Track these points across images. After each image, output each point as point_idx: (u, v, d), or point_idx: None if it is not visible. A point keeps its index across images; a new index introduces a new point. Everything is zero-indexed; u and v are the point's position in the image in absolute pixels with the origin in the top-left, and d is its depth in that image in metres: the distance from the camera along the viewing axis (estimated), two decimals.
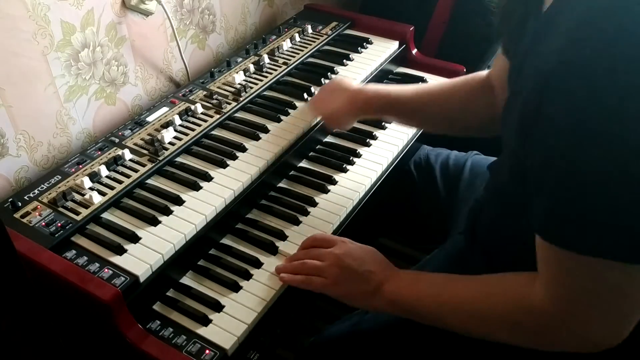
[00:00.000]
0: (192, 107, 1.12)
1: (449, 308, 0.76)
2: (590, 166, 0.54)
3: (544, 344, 0.69)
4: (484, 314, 0.72)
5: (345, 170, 1.10)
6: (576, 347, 0.66)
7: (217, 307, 0.85)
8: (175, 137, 1.06)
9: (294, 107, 1.16)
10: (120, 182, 0.96)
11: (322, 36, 1.38)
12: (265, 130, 1.10)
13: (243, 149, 1.05)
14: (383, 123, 1.22)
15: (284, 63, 1.27)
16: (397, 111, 1.05)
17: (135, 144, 1.04)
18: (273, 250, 0.93)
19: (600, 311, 0.61)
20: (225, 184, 0.98)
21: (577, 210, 0.57)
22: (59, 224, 0.88)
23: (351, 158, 1.12)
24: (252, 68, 1.24)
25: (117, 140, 1.05)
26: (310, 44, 1.34)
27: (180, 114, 1.10)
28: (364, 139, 1.17)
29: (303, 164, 1.13)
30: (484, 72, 0.99)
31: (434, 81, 1.31)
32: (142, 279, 0.83)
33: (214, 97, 1.16)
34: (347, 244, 0.88)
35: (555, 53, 0.56)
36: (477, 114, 0.97)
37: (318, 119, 1.14)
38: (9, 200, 0.92)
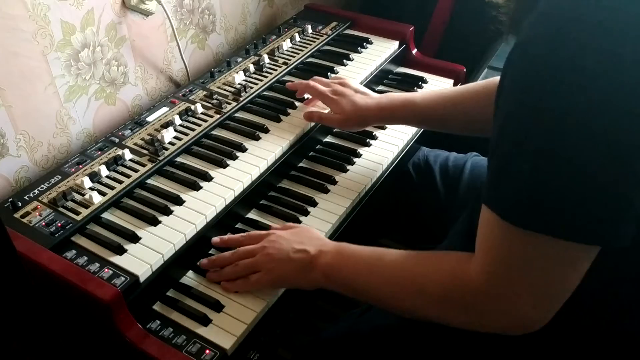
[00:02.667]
0: (192, 107, 1.12)
1: (382, 279, 0.76)
2: (530, 141, 0.56)
3: (473, 322, 0.68)
4: (416, 287, 0.72)
5: (345, 170, 1.10)
6: (503, 327, 0.67)
7: (217, 307, 0.85)
8: (175, 137, 1.06)
9: (294, 107, 1.16)
10: (120, 182, 0.96)
11: (322, 36, 1.38)
12: (265, 130, 1.10)
13: (243, 149, 1.05)
14: None
15: (284, 63, 1.27)
16: (422, 120, 1.09)
17: (135, 144, 1.04)
18: None
19: (531, 288, 0.62)
20: (225, 184, 0.98)
21: (515, 182, 0.58)
22: (59, 224, 0.88)
23: (351, 158, 1.12)
24: (252, 68, 1.24)
25: (117, 140, 1.05)
26: (310, 44, 1.34)
27: (180, 114, 1.10)
28: (364, 139, 1.17)
29: (303, 163, 1.13)
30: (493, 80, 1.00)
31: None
32: (142, 279, 0.83)
33: (214, 97, 1.16)
34: (275, 232, 0.88)
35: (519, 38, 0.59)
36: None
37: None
38: (9, 200, 0.92)
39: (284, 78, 1.24)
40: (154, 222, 0.91)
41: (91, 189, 0.95)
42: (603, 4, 0.53)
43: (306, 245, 0.84)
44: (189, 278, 0.91)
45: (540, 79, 0.55)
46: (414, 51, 1.42)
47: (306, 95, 1.18)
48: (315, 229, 0.90)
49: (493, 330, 0.68)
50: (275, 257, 0.84)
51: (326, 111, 1.12)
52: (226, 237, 0.93)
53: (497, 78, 0.99)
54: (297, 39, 1.36)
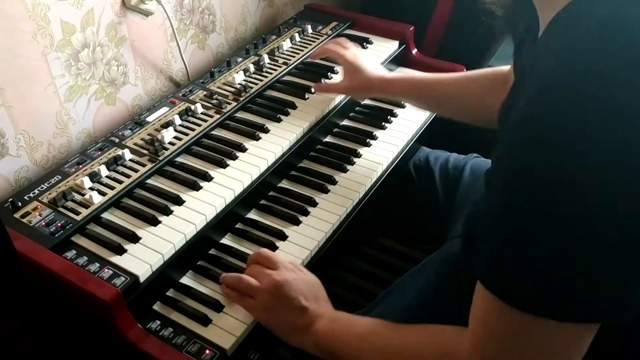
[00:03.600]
0: (192, 107, 1.12)
1: (371, 353, 0.72)
2: (533, 223, 0.51)
3: None
4: None
5: (345, 170, 1.10)
6: None
7: (217, 307, 0.85)
8: (175, 137, 1.06)
9: (294, 107, 1.16)
10: (120, 182, 0.96)
11: (322, 36, 1.38)
12: (265, 130, 1.10)
13: (243, 149, 1.05)
14: (383, 123, 1.22)
15: (284, 63, 1.27)
16: (418, 94, 1.11)
17: (135, 144, 1.04)
18: (273, 251, 0.93)
19: None
20: (225, 184, 0.98)
21: (514, 265, 0.54)
22: (59, 224, 0.88)
23: (351, 158, 1.12)
24: (252, 68, 1.24)
25: (117, 140, 1.05)
26: (311, 44, 1.34)
27: (180, 114, 1.10)
28: (364, 139, 1.17)
29: (303, 163, 1.13)
30: (505, 67, 1.00)
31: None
32: (142, 279, 0.83)
33: (214, 97, 1.16)
34: (290, 272, 0.83)
35: (526, 100, 0.53)
36: (494, 107, 0.97)
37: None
38: (9, 200, 0.92)
39: (284, 78, 1.24)
40: (154, 222, 0.91)
41: (91, 189, 0.95)
42: (612, 83, 0.48)
43: (309, 305, 0.79)
44: (189, 278, 0.91)
45: (544, 155, 0.50)
46: (414, 51, 1.42)
47: (307, 95, 1.18)
48: (321, 286, 0.85)
49: None
50: (276, 299, 0.80)
51: (331, 80, 1.21)
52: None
53: (501, 68, 1.00)
54: (297, 39, 1.36)
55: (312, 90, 1.20)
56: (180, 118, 1.10)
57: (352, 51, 1.16)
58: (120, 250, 0.85)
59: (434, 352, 0.67)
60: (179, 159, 1.04)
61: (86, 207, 0.91)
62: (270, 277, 0.81)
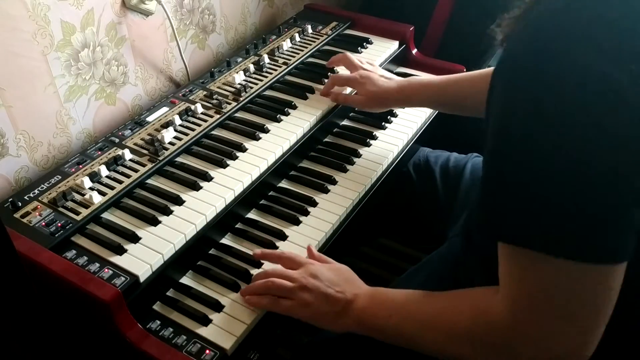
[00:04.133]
0: (192, 107, 1.12)
1: (413, 324, 0.74)
2: (528, 163, 0.55)
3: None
4: (447, 329, 0.70)
5: (345, 170, 1.10)
6: None
7: (217, 307, 0.85)
8: (175, 137, 1.06)
9: (294, 107, 1.16)
10: (120, 182, 0.96)
11: (322, 36, 1.38)
12: (265, 130, 1.10)
13: (243, 149, 1.05)
14: (383, 123, 1.22)
15: (284, 63, 1.27)
16: (437, 103, 1.12)
17: (135, 144, 1.04)
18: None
19: (559, 319, 0.59)
20: (225, 184, 0.98)
21: (514, 201, 0.57)
22: (59, 224, 0.88)
23: (351, 158, 1.12)
24: (252, 68, 1.24)
25: (117, 140, 1.05)
26: (310, 44, 1.34)
27: (180, 114, 1.10)
28: (364, 139, 1.17)
29: (303, 163, 1.13)
30: None
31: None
32: (142, 279, 0.83)
33: (214, 97, 1.16)
34: (316, 265, 0.85)
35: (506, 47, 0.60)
36: None
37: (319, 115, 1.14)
38: (9, 200, 0.92)
39: (284, 78, 1.24)
40: (154, 222, 0.91)
41: (91, 189, 0.95)
42: (598, 21, 0.52)
43: (344, 288, 0.81)
44: (189, 278, 0.91)
45: (535, 95, 0.54)
46: (414, 51, 1.42)
47: (307, 95, 1.18)
48: (350, 270, 0.87)
49: None
50: (313, 292, 0.81)
51: (347, 91, 1.19)
52: (267, 251, 0.91)
53: None
54: (297, 39, 1.36)
55: (313, 90, 1.20)
56: (180, 118, 1.10)
57: (362, 72, 1.15)
58: (120, 250, 0.85)
59: (470, 311, 0.68)
60: (179, 159, 1.04)
61: (86, 207, 0.91)
62: (301, 274, 0.83)
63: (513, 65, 0.58)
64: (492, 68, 1.05)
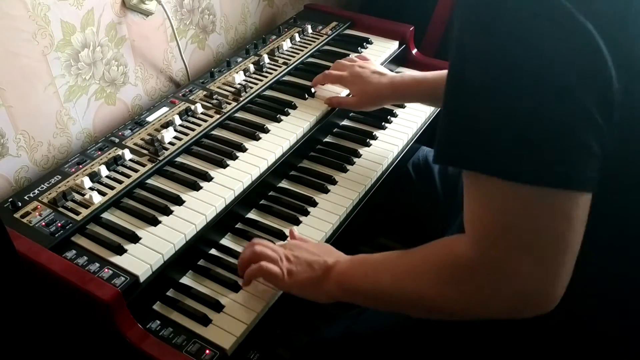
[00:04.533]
0: (192, 107, 1.12)
1: (387, 278, 0.74)
2: (478, 85, 0.56)
3: (471, 301, 0.64)
4: (417, 274, 0.69)
5: (345, 170, 1.10)
6: (510, 305, 0.62)
7: (217, 307, 0.85)
8: (175, 137, 1.06)
9: (294, 107, 1.16)
10: (120, 182, 0.96)
11: (322, 36, 1.38)
12: (265, 130, 1.10)
13: (243, 149, 1.05)
14: (383, 123, 1.22)
15: (284, 63, 1.27)
16: (435, 97, 1.09)
17: (135, 144, 1.04)
18: None
19: (519, 250, 0.58)
20: (225, 184, 0.98)
21: (466, 125, 0.58)
22: (59, 224, 0.88)
23: (351, 158, 1.12)
24: (252, 68, 1.24)
25: (117, 140, 1.05)
26: (310, 44, 1.34)
27: (180, 114, 1.10)
28: (364, 139, 1.17)
29: (303, 163, 1.13)
30: None
31: None
32: (142, 279, 0.83)
33: (214, 97, 1.16)
34: (297, 241, 0.89)
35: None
36: None
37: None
38: (9, 200, 0.92)
39: (284, 78, 1.24)
40: (154, 222, 0.91)
41: (91, 189, 0.95)
42: None
43: (324, 257, 0.83)
44: (189, 278, 0.91)
45: (488, 17, 0.56)
46: (414, 51, 1.42)
47: (307, 96, 1.18)
48: (331, 246, 0.89)
49: (501, 309, 0.63)
50: (295, 261, 0.84)
51: (343, 94, 1.18)
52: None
53: None
54: (297, 39, 1.36)
55: (313, 90, 1.20)
56: (180, 118, 1.10)
57: (353, 70, 1.14)
58: (120, 250, 0.85)
59: (437, 255, 0.68)
60: (179, 159, 1.04)
61: (86, 207, 0.91)
62: (284, 247, 0.87)
63: None
64: None
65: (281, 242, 0.90)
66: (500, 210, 0.58)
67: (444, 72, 1.10)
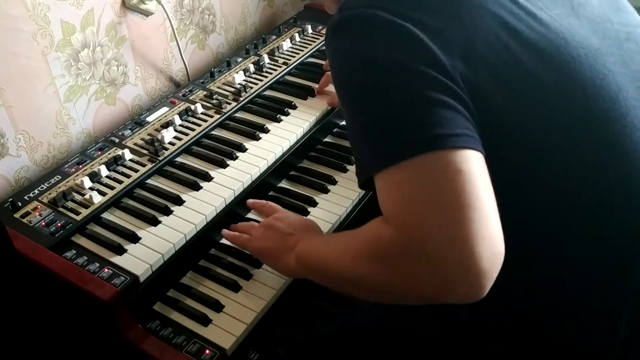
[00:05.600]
0: (192, 107, 1.12)
1: (331, 253, 0.75)
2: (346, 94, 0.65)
3: (401, 277, 0.62)
4: (352, 249, 0.70)
5: (345, 170, 1.10)
6: (433, 283, 0.59)
7: (217, 307, 0.85)
8: (175, 137, 1.06)
9: (294, 107, 1.16)
10: (120, 182, 0.96)
11: (322, 36, 1.37)
12: (265, 130, 1.10)
13: (243, 149, 1.05)
14: None
15: (284, 63, 1.27)
16: None
17: (135, 144, 1.04)
18: None
19: (426, 216, 0.57)
20: (225, 184, 0.98)
21: (355, 137, 0.65)
22: (59, 224, 0.88)
23: (351, 158, 1.12)
24: (252, 68, 1.24)
25: (117, 140, 1.05)
26: (310, 44, 1.34)
27: (180, 114, 1.10)
28: None
29: (303, 163, 1.13)
30: None
31: None
32: (142, 279, 0.83)
33: (214, 97, 1.16)
34: (287, 213, 0.93)
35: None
36: None
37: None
38: (9, 200, 0.92)
39: (284, 78, 1.24)
40: (154, 222, 0.91)
41: (91, 189, 0.95)
42: None
43: (297, 232, 0.86)
44: (189, 278, 0.91)
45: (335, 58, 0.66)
46: None
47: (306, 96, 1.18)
48: (318, 225, 0.91)
49: (426, 291, 0.61)
50: (268, 230, 0.88)
51: None
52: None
53: None
54: (297, 39, 1.36)
55: (316, 93, 1.20)
56: (180, 118, 1.10)
57: None
58: (120, 250, 0.85)
59: (370, 234, 0.68)
60: (179, 159, 1.04)
61: (86, 207, 0.91)
62: (270, 217, 0.91)
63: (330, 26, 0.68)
64: None
65: (277, 206, 0.96)
66: (401, 190, 0.60)
67: None
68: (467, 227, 0.55)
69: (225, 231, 0.95)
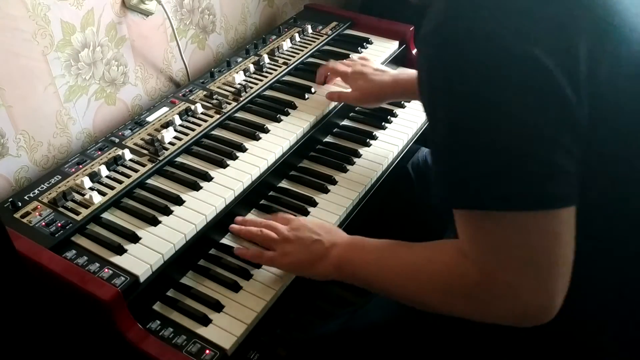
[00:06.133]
0: (192, 107, 1.12)
1: (389, 273, 0.77)
2: (456, 125, 0.60)
3: (480, 312, 0.68)
4: (420, 278, 0.73)
5: (345, 170, 1.10)
6: (511, 317, 0.65)
7: (217, 307, 0.85)
8: (175, 137, 1.06)
9: (294, 107, 1.16)
10: (120, 182, 0.96)
11: (322, 36, 1.38)
12: (265, 130, 1.10)
13: (243, 149, 1.05)
14: (383, 123, 1.22)
15: (284, 63, 1.27)
16: None
17: (135, 144, 1.04)
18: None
19: (519, 268, 0.62)
20: (225, 184, 0.98)
21: (448, 167, 0.62)
22: (59, 224, 0.88)
23: (351, 158, 1.12)
24: (252, 68, 1.24)
25: (117, 140, 1.05)
26: (310, 44, 1.34)
27: (180, 114, 1.10)
28: (364, 139, 1.17)
29: (303, 163, 1.13)
30: None
31: None
32: (142, 279, 0.83)
33: (214, 97, 1.16)
34: (301, 220, 0.92)
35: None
36: None
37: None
38: (9, 200, 0.92)
39: (284, 78, 1.24)
40: (154, 222, 0.91)
41: (91, 189, 0.95)
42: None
43: (322, 237, 0.86)
44: (189, 278, 0.91)
45: (452, 63, 0.59)
46: (414, 51, 1.42)
47: (307, 95, 1.18)
48: (334, 226, 0.92)
49: (504, 320, 0.67)
50: (293, 243, 0.87)
51: (347, 90, 1.18)
52: (248, 218, 0.97)
53: None
54: (297, 39, 1.36)
55: (313, 90, 1.20)
56: (180, 118, 1.10)
57: (355, 67, 1.16)
58: (120, 250, 0.85)
59: (442, 268, 0.70)
60: (179, 159, 1.04)
61: (86, 207, 0.91)
62: (284, 228, 0.90)
63: (435, 39, 0.61)
64: None
65: (289, 216, 0.93)
66: (498, 236, 0.62)
67: None
68: (553, 282, 0.62)
69: (243, 251, 0.91)
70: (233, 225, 0.94)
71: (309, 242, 0.86)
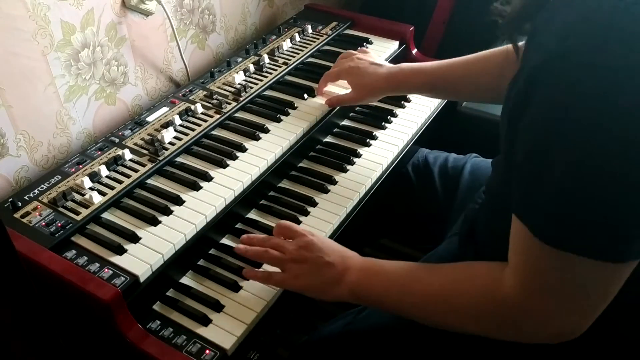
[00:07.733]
0: (192, 107, 1.12)
1: (414, 298, 0.75)
2: (568, 162, 0.54)
3: (507, 335, 0.68)
4: (451, 303, 0.71)
5: (345, 170, 1.10)
6: (540, 339, 0.67)
7: (217, 307, 0.85)
8: (175, 137, 1.06)
9: (294, 107, 1.16)
10: (120, 182, 0.96)
11: (322, 36, 1.38)
12: (265, 130, 1.10)
13: (243, 149, 1.05)
14: (383, 123, 1.22)
15: (284, 63, 1.27)
16: (432, 87, 1.08)
17: (135, 144, 1.04)
18: None
19: (566, 303, 0.62)
20: (225, 184, 0.98)
21: (547, 198, 0.57)
22: (59, 224, 0.88)
23: (351, 158, 1.12)
24: (252, 68, 1.24)
25: (117, 140, 1.05)
26: (310, 44, 1.34)
27: (180, 114, 1.10)
28: (364, 139, 1.17)
29: (303, 163, 1.13)
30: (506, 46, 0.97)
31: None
32: (142, 279, 0.83)
33: (214, 97, 1.16)
34: (307, 236, 0.85)
35: (545, 48, 0.56)
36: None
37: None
38: (9, 200, 0.92)
39: (284, 78, 1.24)
40: (154, 222, 0.91)
41: (91, 189, 0.95)
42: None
43: (333, 260, 0.82)
44: (189, 278, 0.91)
45: (586, 91, 0.51)
46: (414, 51, 1.42)
47: (306, 96, 1.18)
48: (339, 244, 0.88)
49: (530, 341, 0.68)
50: (302, 264, 0.82)
51: (343, 92, 1.17)
52: (252, 236, 0.91)
53: (506, 47, 0.97)
54: (297, 39, 1.36)
55: (317, 93, 1.20)
56: (180, 118, 1.10)
57: (351, 62, 1.14)
58: (120, 250, 0.85)
59: (477, 294, 0.69)
60: (179, 159, 1.04)
61: (86, 207, 0.91)
62: (293, 246, 0.84)
63: (571, 65, 0.53)
64: (486, 52, 1.04)
65: (297, 228, 0.87)
66: (560, 272, 0.60)
67: (444, 61, 1.09)
68: (596, 313, 0.62)
69: (252, 273, 0.87)
70: (239, 246, 0.88)
71: (320, 265, 0.81)
